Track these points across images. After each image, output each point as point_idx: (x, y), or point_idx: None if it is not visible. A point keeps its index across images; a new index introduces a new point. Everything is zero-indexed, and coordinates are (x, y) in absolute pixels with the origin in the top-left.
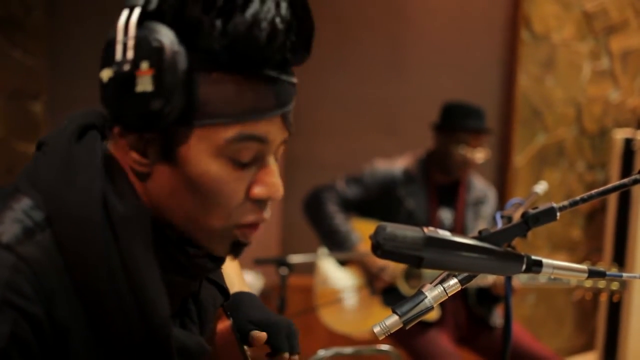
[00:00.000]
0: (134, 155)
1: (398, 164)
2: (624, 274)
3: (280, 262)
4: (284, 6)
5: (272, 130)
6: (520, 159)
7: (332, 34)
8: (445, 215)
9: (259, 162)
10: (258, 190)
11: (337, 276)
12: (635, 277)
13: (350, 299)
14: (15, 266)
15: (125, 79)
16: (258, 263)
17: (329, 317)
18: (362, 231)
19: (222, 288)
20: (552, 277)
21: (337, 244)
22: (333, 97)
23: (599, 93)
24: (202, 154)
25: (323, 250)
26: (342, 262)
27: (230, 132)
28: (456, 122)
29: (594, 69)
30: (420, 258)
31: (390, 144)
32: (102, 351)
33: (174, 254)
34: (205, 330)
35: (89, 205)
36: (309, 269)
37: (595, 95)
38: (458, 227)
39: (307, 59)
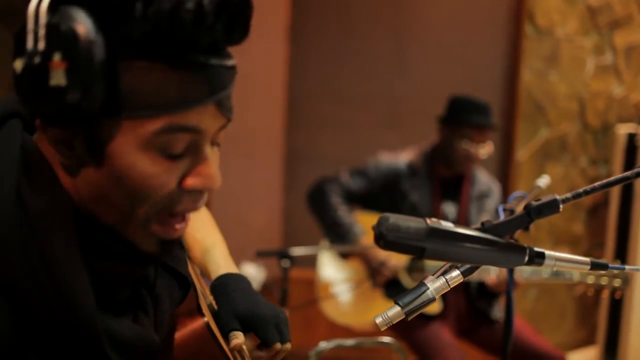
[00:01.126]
0: (60, 149)
1: (402, 157)
2: (627, 266)
3: (282, 255)
4: None
5: (205, 119)
6: (523, 153)
7: (336, 27)
8: (449, 209)
9: (193, 152)
10: (192, 182)
11: (339, 269)
12: (637, 270)
13: (352, 292)
14: None
15: (37, 72)
16: (260, 255)
17: (331, 310)
18: (365, 224)
19: (182, 277)
20: (555, 269)
21: (340, 236)
22: (336, 91)
23: (602, 88)
24: (129, 147)
25: (325, 243)
26: (345, 255)
27: (157, 124)
28: (461, 116)
29: (597, 64)
30: (422, 249)
31: (393, 137)
32: (31, 350)
33: (108, 241)
34: (160, 322)
35: (2, 200)
36: (311, 261)
37: (599, 90)
38: (461, 221)
39: (245, 39)
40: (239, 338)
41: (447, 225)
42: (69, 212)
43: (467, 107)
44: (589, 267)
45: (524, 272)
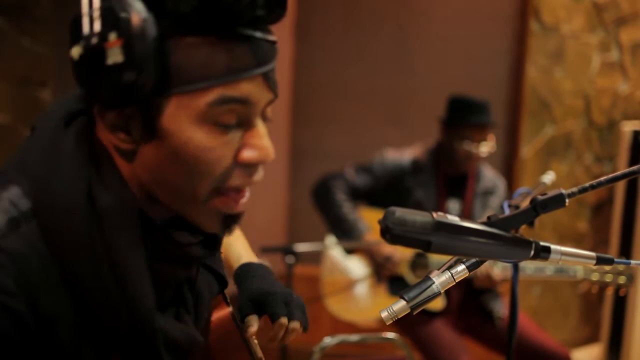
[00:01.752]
0: (117, 133)
1: (407, 154)
2: (633, 261)
3: (287, 251)
4: None
5: (254, 90)
6: (527, 150)
7: (340, 23)
8: (453, 205)
9: (245, 125)
10: (247, 154)
11: (344, 265)
12: None
13: (357, 288)
14: None
15: (94, 53)
16: (264, 251)
17: (335, 306)
18: (370, 220)
19: (219, 275)
20: (560, 263)
21: (345, 232)
22: (341, 87)
23: (608, 85)
24: (184, 122)
25: (330, 239)
26: (349, 251)
27: (210, 96)
28: (459, 117)
29: (603, 61)
30: (428, 242)
31: (398, 134)
32: (89, 342)
33: (163, 243)
34: (200, 319)
35: (74, 196)
36: (315, 258)
37: (604, 87)
38: (466, 218)
39: (283, 17)
40: (253, 325)
41: (453, 219)
42: (134, 212)
43: (465, 108)
44: (594, 261)
45: (527, 268)
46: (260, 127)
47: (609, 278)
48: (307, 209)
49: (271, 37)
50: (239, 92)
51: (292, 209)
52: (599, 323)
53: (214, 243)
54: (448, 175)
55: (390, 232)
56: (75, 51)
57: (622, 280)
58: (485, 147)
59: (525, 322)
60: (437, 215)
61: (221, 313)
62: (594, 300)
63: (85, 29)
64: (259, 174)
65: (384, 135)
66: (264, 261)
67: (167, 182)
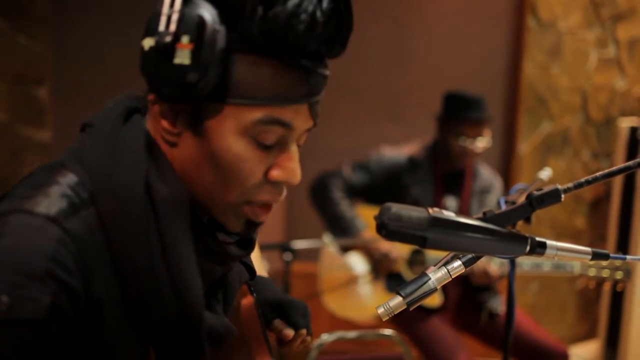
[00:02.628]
0: (164, 123)
1: (404, 151)
2: (628, 256)
3: (284, 248)
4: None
5: (298, 117)
6: (525, 147)
7: None
8: (450, 203)
9: (281, 146)
10: (276, 173)
11: (341, 262)
12: (639, 259)
13: (354, 285)
14: (61, 240)
15: (165, 50)
16: (262, 248)
17: (333, 303)
18: (367, 218)
19: (249, 267)
20: (556, 259)
21: (342, 230)
22: (339, 83)
23: (605, 81)
24: (229, 130)
25: (327, 236)
26: (346, 249)
27: (258, 114)
28: (454, 113)
29: (600, 57)
30: (424, 238)
31: (396, 130)
32: (135, 327)
33: (205, 239)
34: (228, 306)
35: (134, 185)
36: (313, 255)
37: (601, 84)
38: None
39: (342, 53)
40: (288, 329)
41: (449, 214)
42: (187, 204)
43: (460, 103)
44: (590, 256)
45: (524, 264)
46: (294, 151)
47: (606, 273)
48: (305, 206)
49: (326, 72)
50: (284, 116)
51: (289, 205)
52: (596, 319)
53: (248, 244)
54: (445, 172)
55: (386, 228)
56: (147, 43)
57: (619, 275)
58: (481, 143)
59: (523, 319)
60: (433, 211)
61: (245, 301)
62: (592, 296)
63: (161, 27)
64: (283, 193)
65: (382, 131)
66: (262, 258)
67: (201, 180)
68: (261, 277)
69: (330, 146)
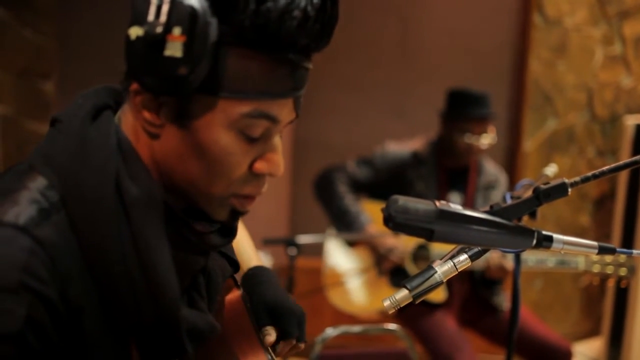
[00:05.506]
0: (146, 114)
1: (409, 147)
2: (635, 251)
3: (289, 243)
4: None
5: (284, 111)
6: (530, 144)
7: (342, 15)
8: (455, 199)
9: (266, 139)
10: (260, 165)
11: (346, 257)
12: None
13: (358, 280)
14: (32, 250)
15: (154, 41)
16: (267, 243)
17: (337, 298)
18: (371, 212)
19: (232, 260)
20: (562, 252)
21: (347, 224)
22: (343, 79)
23: (610, 78)
24: (216, 124)
25: (332, 231)
26: (351, 243)
27: (246, 108)
28: (459, 110)
29: (606, 54)
30: (431, 231)
31: (400, 126)
32: (115, 330)
33: (183, 232)
34: (213, 303)
35: (103, 187)
36: (317, 250)
37: (607, 81)
38: None
39: (327, 46)
40: (271, 335)
41: (456, 207)
42: (160, 203)
43: (464, 101)
44: (596, 251)
45: (529, 260)
46: (278, 143)
47: (610, 270)
48: (310, 201)
49: (310, 65)
50: (271, 110)
51: (294, 201)
52: (600, 317)
53: (230, 232)
54: (449, 168)
55: (393, 220)
56: (134, 32)
57: (623, 272)
58: (486, 140)
59: (527, 316)
60: (440, 204)
61: (231, 296)
62: (596, 293)
63: (151, 16)
64: (266, 186)
65: (386, 127)
66: (266, 253)
67: (185, 172)
68: (262, 269)
69: (335, 141)
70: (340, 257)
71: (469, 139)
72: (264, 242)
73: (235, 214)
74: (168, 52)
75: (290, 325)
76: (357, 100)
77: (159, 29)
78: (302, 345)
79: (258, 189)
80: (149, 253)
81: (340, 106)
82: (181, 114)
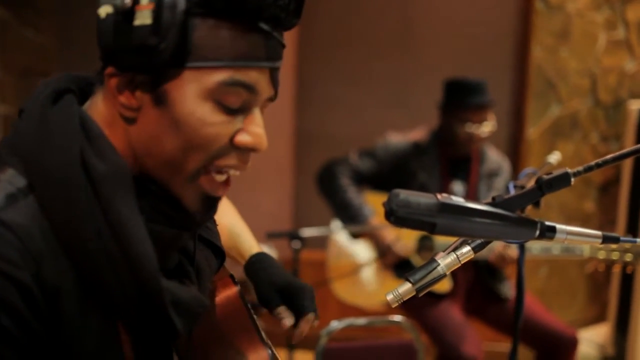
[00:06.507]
0: (122, 98)
1: (411, 137)
2: (639, 239)
3: (293, 236)
4: None
5: (261, 81)
6: (533, 131)
7: (343, 8)
8: (458, 188)
9: (246, 111)
10: (242, 138)
11: (350, 249)
12: None
13: (363, 272)
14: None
15: (124, 13)
16: (270, 237)
17: (342, 290)
18: (374, 204)
19: (217, 248)
20: (566, 242)
21: (350, 217)
22: (345, 71)
23: (614, 63)
24: (191, 95)
25: (336, 224)
26: (355, 235)
27: (221, 76)
28: (457, 100)
29: (609, 39)
30: (433, 224)
31: (402, 117)
32: (96, 308)
33: (160, 206)
34: (203, 290)
35: (68, 166)
36: (321, 243)
37: (611, 66)
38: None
39: (296, 25)
40: (288, 317)
41: (458, 200)
42: (129, 177)
43: (462, 90)
44: (600, 240)
45: (534, 248)
46: (259, 116)
47: (615, 256)
48: (313, 194)
49: (283, 41)
50: (247, 78)
51: (297, 193)
52: (606, 303)
53: (210, 208)
54: (451, 157)
55: (395, 215)
56: (103, 10)
57: (628, 257)
58: (487, 127)
59: (532, 304)
60: (442, 197)
61: (229, 292)
62: (601, 280)
63: None
64: (249, 161)
65: (388, 118)
66: (270, 247)
67: (161, 153)
68: (264, 256)
69: (337, 133)
70: (344, 249)
71: (469, 128)
72: (267, 236)
73: (207, 201)
74: (138, 22)
75: (306, 299)
76: (359, 92)
77: (128, 1)
78: (317, 321)
79: (241, 163)
80: (122, 226)
81: (342, 98)
82: (156, 92)
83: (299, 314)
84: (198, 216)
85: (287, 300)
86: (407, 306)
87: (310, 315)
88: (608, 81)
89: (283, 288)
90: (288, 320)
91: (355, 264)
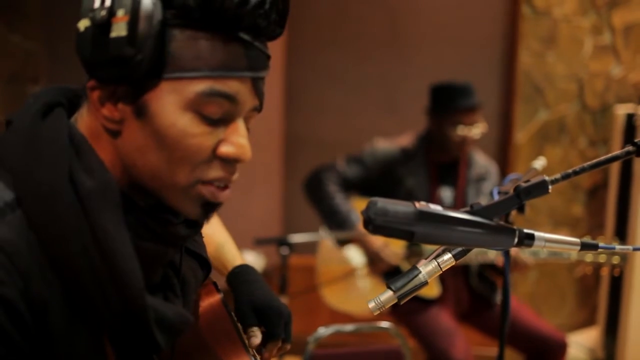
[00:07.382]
0: (105, 110)
1: (398, 143)
2: (617, 246)
3: (281, 242)
4: None
5: (242, 91)
6: (521, 135)
7: (331, 11)
8: (445, 193)
9: (228, 122)
10: (225, 149)
11: (339, 255)
12: (627, 250)
13: (352, 279)
14: None
15: (101, 26)
16: (259, 243)
17: (331, 296)
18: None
19: (203, 259)
20: (545, 249)
21: (338, 224)
22: (333, 75)
23: (600, 68)
24: (171, 106)
25: (324, 230)
26: (344, 241)
27: (200, 86)
28: (446, 104)
29: (595, 44)
30: (411, 233)
31: (390, 121)
32: (82, 324)
33: (147, 222)
34: (188, 304)
35: (56, 182)
36: (310, 248)
37: (597, 71)
38: (459, 205)
39: (280, 35)
40: (257, 337)
41: (436, 208)
42: (116, 193)
43: (451, 94)
44: (579, 247)
45: (524, 251)
46: (242, 126)
47: (602, 259)
48: (301, 200)
49: (267, 51)
50: (228, 88)
51: (286, 199)
52: (595, 307)
53: (196, 222)
54: (439, 162)
55: (373, 223)
56: (82, 24)
57: (616, 260)
58: (478, 129)
59: (521, 308)
60: (420, 205)
61: (212, 299)
62: (590, 284)
63: (96, 3)
64: (236, 172)
65: (377, 123)
66: (259, 253)
67: (147, 165)
68: (247, 268)
69: (327, 138)
70: (333, 255)
71: (461, 130)
72: (256, 242)
73: (208, 207)
74: (114, 34)
75: (277, 327)
76: (348, 96)
77: (104, 12)
78: (288, 346)
79: (227, 175)
80: (108, 242)
81: (331, 102)
82: (137, 103)
83: (270, 337)
84: (186, 231)
85: (262, 321)
86: (397, 312)
87: (279, 342)
88: (595, 86)
89: (260, 308)
90: (257, 339)
91: (345, 270)
